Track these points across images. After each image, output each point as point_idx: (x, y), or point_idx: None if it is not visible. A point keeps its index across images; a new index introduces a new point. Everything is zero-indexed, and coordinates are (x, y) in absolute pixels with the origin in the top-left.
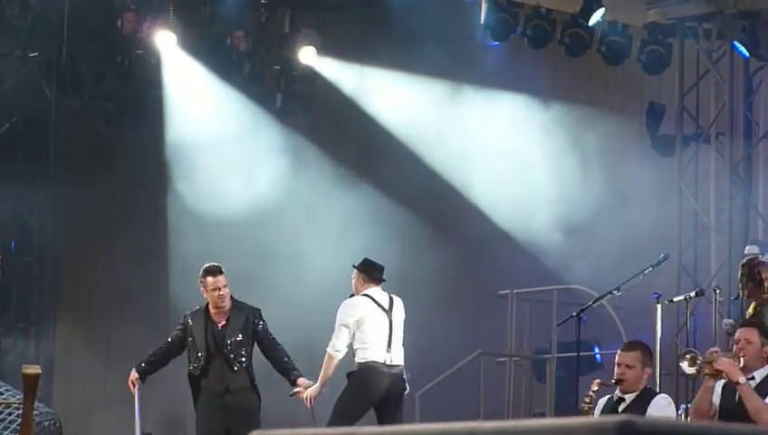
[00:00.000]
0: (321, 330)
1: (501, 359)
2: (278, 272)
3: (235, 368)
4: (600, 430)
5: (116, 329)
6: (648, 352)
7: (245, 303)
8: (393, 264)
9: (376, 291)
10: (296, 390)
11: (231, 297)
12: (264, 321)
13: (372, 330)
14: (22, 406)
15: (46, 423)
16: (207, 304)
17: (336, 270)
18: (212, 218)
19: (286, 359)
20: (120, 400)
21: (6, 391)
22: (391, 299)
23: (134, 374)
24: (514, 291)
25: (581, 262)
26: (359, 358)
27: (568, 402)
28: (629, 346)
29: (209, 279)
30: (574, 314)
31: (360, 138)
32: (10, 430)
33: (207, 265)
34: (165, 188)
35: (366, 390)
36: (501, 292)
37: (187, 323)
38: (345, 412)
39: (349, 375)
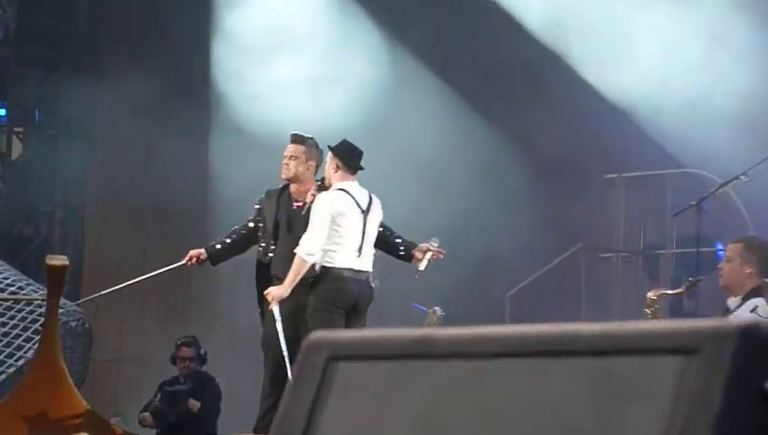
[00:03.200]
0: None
1: (606, 254)
2: None
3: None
4: (718, 336)
5: (155, 218)
6: (755, 247)
7: None
8: (480, 139)
9: (353, 186)
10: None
11: (323, 179)
12: None
13: (347, 231)
14: (45, 303)
15: (73, 323)
16: None
17: None
18: None
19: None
20: (162, 297)
21: (28, 285)
22: (370, 198)
23: (198, 252)
24: (622, 175)
25: (700, 141)
26: (325, 261)
27: (685, 306)
28: (737, 239)
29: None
30: (693, 202)
31: None
32: (31, 330)
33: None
34: None
35: (335, 298)
36: (607, 175)
37: (260, 201)
38: (318, 323)
39: (313, 283)
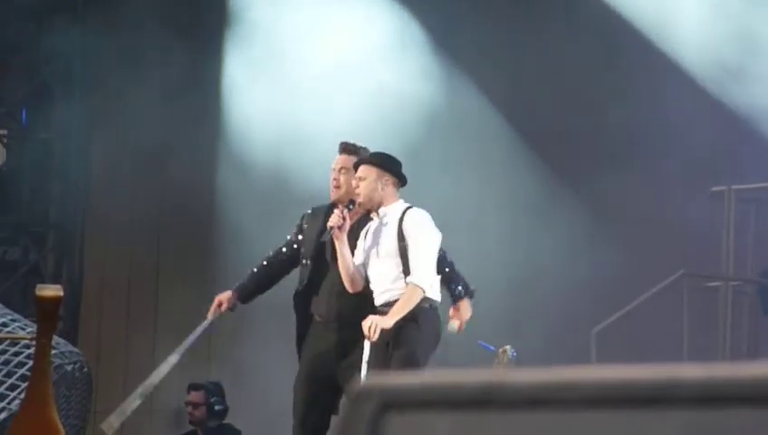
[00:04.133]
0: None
1: (713, 283)
2: None
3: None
4: None
5: (168, 238)
6: None
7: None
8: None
9: None
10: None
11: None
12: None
13: None
14: (34, 343)
15: (69, 367)
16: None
17: None
18: None
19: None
20: (173, 335)
21: (13, 321)
22: None
23: (227, 296)
24: (732, 187)
25: None
26: (431, 294)
27: None
28: None
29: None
30: None
31: None
32: (17, 376)
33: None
34: None
35: (438, 338)
36: (715, 188)
37: (303, 220)
38: (424, 363)
39: (416, 316)
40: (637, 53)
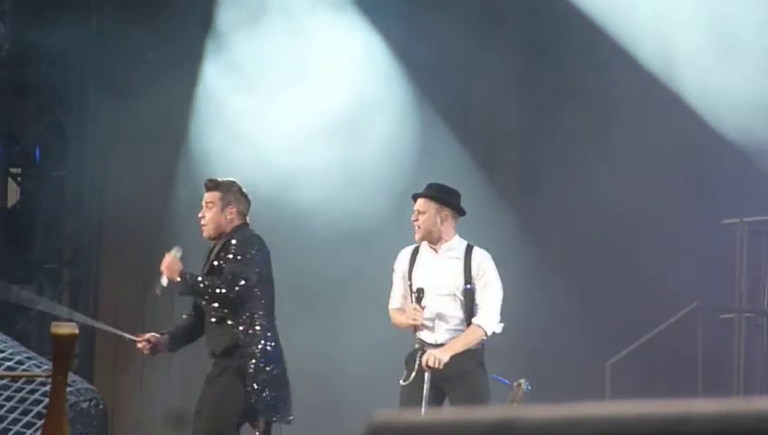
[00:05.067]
0: None
1: (726, 315)
2: None
3: (213, 320)
4: None
5: None
6: None
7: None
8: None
9: None
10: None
11: (238, 226)
12: (234, 254)
13: None
14: (49, 380)
15: (85, 405)
16: None
17: None
18: None
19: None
20: (188, 369)
21: (29, 359)
22: None
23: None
24: (744, 220)
25: None
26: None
27: None
28: None
29: None
30: None
31: None
32: (33, 413)
33: None
34: None
35: None
36: (727, 220)
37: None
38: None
39: (482, 359)
40: (642, 83)
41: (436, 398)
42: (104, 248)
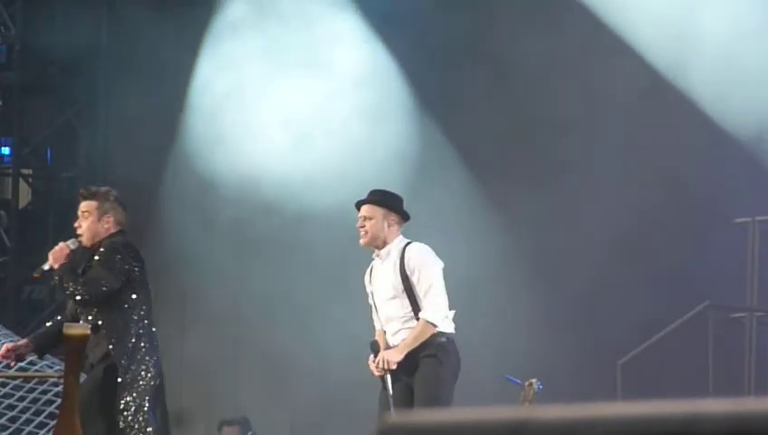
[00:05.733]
0: None
1: (738, 314)
2: None
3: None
4: None
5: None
6: None
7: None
8: None
9: None
10: None
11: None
12: (99, 261)
13: None
14: (62, 381)
15: None
16: None
17: None
18: None
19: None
20: (200, 373)
21: (40, 360)
22: None
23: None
24: (756, 219)
25: None
26: (445, 327)
27: None
28: None
29: None
30: None
31: None
32: (45, 414)
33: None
34: None
35: (456, 370)
36: (738, 220)
37: None
38: (448, 401)
39: (436, 352)
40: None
41: (408, 397)
42: None
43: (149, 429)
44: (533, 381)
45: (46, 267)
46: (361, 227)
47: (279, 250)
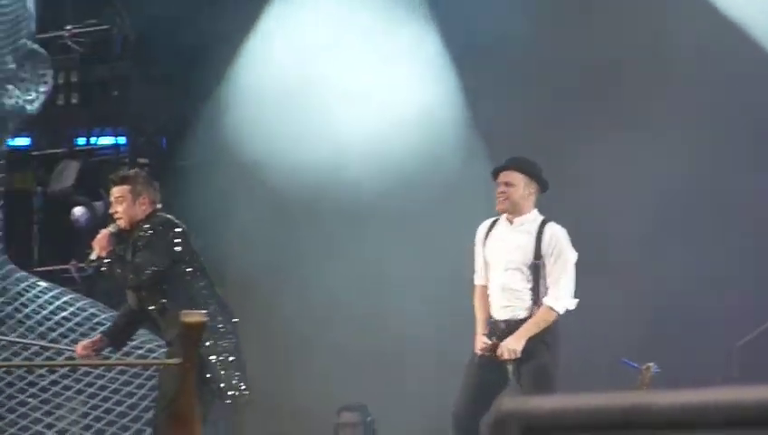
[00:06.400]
0: None
1: None
2: None
3: (154, 308)
4: None
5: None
6: None
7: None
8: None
9: None
10: None
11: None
12: (145, 243)
13: None
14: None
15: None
16: None
17: None
18: None
19: None
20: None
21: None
22: None
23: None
24: None
25: None
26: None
27: None
28: None
29: None
30: None
31: None
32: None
33: None
34: None
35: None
36: None
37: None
38: (554, 386)
39: (548, 337)
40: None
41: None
42: (230, 233)
43: (242, 387)
44: (650, 365)
45: (94, 257)
46: (502, 193)
47: (412, 229)
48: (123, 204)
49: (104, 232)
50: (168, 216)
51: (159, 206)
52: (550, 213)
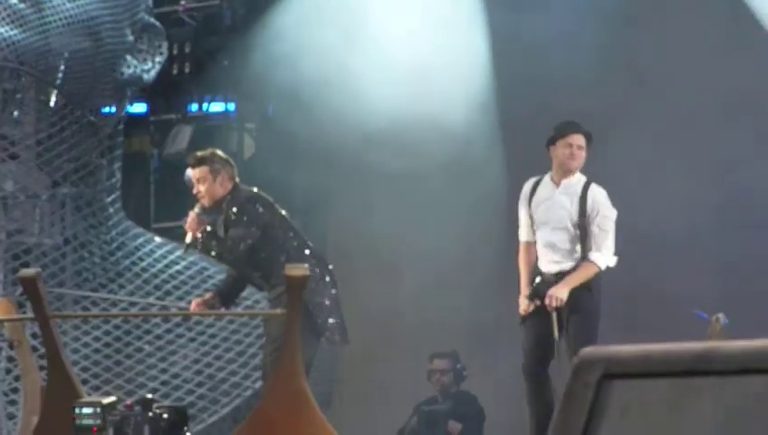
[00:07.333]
0: None
1: None
2: None
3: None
4: None
5: None
6: None
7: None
8: None
9: None
10: None
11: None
12: (234, 220)
13: None
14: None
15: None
16: None
17: None
18: None
19: None
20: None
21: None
22: None
23: None
24: None
25: None
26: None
27: None
28: None
29: None
30: None
31: None
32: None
33: None
34: None
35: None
36: None
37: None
38: (596, 329)
39: (592, 286)
40: None
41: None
42: (330, 195)
43: (342, 330)
44: (720, 316)
45: (189, 240)
46: (577, 153)
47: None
48: (205, 184)
49: (192, 214)
50: (251, 188)
51: (238, 180)
52: None
